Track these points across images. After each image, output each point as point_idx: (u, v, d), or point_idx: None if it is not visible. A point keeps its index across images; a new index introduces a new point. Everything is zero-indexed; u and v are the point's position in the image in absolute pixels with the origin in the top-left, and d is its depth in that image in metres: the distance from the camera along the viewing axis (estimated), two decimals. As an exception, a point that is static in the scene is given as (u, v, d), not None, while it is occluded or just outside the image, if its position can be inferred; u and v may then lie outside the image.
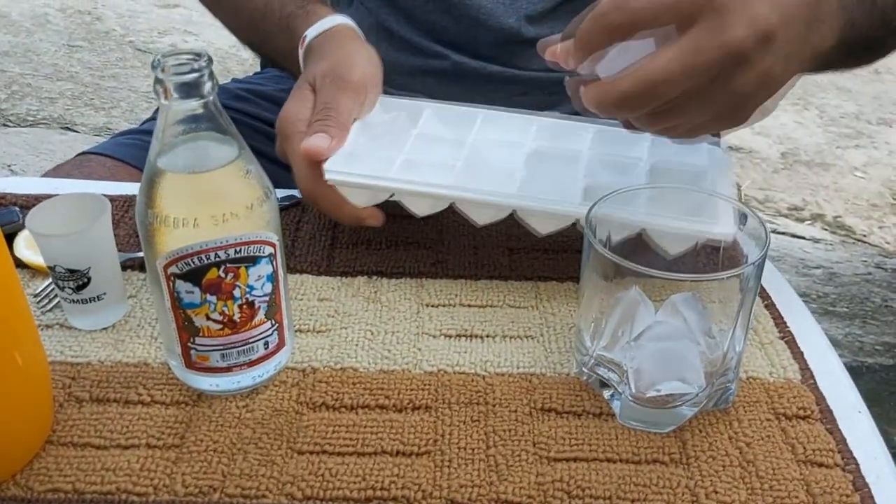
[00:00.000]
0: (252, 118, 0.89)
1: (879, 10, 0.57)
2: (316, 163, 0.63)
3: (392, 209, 0.65)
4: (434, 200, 0.63)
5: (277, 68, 0.94)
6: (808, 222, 2.43)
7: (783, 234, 2.34)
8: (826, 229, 2.41)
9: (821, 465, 0.51)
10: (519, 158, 0.67)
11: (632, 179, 0.65)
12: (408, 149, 0.67)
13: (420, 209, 0.64)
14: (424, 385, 0.56)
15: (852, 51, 0.59)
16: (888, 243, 2.36)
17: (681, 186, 0.60)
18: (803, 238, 2.33)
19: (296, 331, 0.60)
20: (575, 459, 0.51)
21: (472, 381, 0.57)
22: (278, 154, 0.68)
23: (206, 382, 0.54)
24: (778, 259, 2.13)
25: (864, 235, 2.39)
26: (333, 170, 0.62)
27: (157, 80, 0.47)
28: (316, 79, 0.68)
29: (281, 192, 0.75)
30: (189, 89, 0.47)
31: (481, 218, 0.63)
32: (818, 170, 2.71)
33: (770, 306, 0.63)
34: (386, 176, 0.63)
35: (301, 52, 0.74)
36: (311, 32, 0.73)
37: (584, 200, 0.61)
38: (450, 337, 0.61)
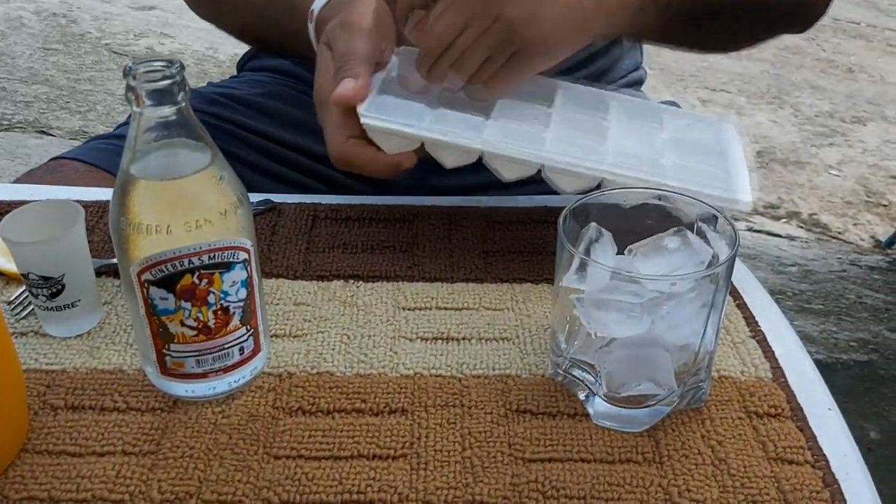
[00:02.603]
0: (227, 122, 0.88)
1: None
2: (350, 116, 0.64)
3: (371, 214, 0.65)
4: (463, 152, 0.64)
5: (283, 55, 0.94)
6: (784, 220, 2.46)
7: (759, 232, 2.36)
8: (801, 227, 2.44)
9: (791, 462, 0.51)
10: (546, 121, 0.69)
11: (653, 151, 0.68)
12: (436, 103, 0.68)
13: (449, 160, 0.65)
14: (401, 388, 0.56)
15: (670, 18, 0.69)
16: (863, 240, 2.39)
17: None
18: (779, 236, 2.36)
19: (272, 336, 0.60)
20: (550, 460, 0.51)
21: (449, 383, 0.57)
22: (320, 123, 0.69)
23: (181, 389, 0.54)
24: (754, 257, 2.15)
25: (840, 233, 2.42)
26: (369, 114, 0.63)
27: (129, 88, 0.47)
28: (328, 36, 0.68)
29: (256, 197, 0.75)
30: (161, 96, 0.47)
31: (509, 173, 0.65)
32: (793, 168, 2.74)
33: (742, 306, 0.64)
34: (419, 125, 0.64)
35: (311, 26, 0.74)
36: (317, 5, 0.73)
37: (612, 162, 0.64)
38: (426, 340, 0.61)
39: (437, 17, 0.63)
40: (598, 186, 0.63)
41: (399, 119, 0.64)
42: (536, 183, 0.89)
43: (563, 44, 0.67)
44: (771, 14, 0.78)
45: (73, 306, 0.60)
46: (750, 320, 0.63)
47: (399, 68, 0.71)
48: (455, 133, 0.64)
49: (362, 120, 0.63)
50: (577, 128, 0.69)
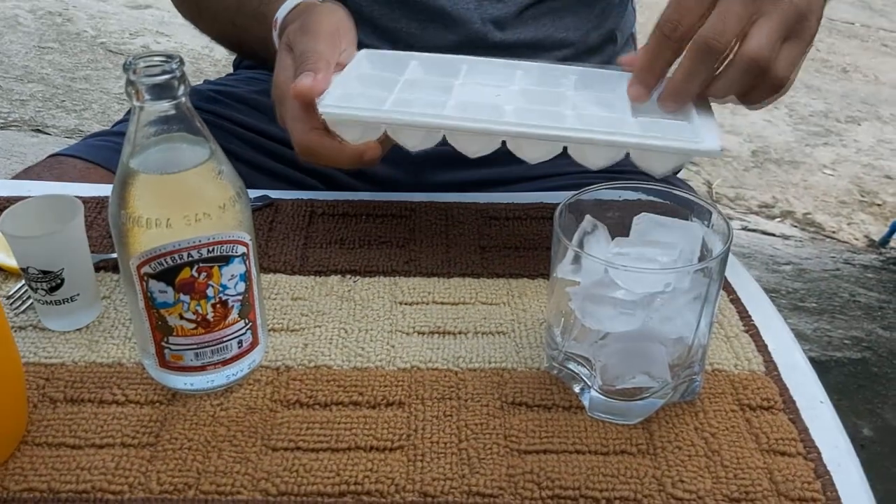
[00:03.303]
0: (224, 119, 0.89)
1: None
2: (310, 110, 0.63)
3: (369, 210, 0.65)
4: (427, 132, 0.63)
5: (257, 62, 0.95)
6: (778, 219, 2.47)
7: (753, 231, 2.37)
8: (796, 226, 2.45)
9: (783, 453, 0.52)
10: (507, 98, 0.68)
11: (616, 113, 0.67)
12: (398, 90, 0.68)
13: (413, 143, 0.64)
14: (398, 381, 0.57)
15: None
16: (857, 239, 2.40)
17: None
18: (773, 235, 2.37)
19: (270, 330, 0.61)
20: (545, 451, 0.52)
21: (445, 376, 0.57)
22: (279, 123, 0.69)
23: (180, 381, 0.55)
24: (748, 256, 2.17)
25: (834, 232, 2.43)
26: (328, 104, 0.62)
27: (129, 82, 0.47)
28: (289, 38, 0.69)
29: (254, 193, 0.76)
30: (161, 91, 0.47)
31: (473, 148, 0.63)
32: (788, 168, 2.75)
33: (735, 300, 0.65)
34: (378, 109, 0.64)
35: (275, 34, 0.74)
36: (280, 13, 0.74)
37: (574, 125, 0.63)
38: (423, 334, 0.61)
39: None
40: (564, 152, 0.62)
41: (357, 106, 0.63)
42: (531, 181, 0.89)
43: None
44: None
45: (72, 300, 0.60)
46: (743, 315, 0.63)
47: (361, 68, 0.70)
48: (414, 114, 0.63)
49: (320, 110, 0.62)
50: (538, 99, 0.68)
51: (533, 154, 0.63)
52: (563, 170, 0.87)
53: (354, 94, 0.66)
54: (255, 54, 0.89)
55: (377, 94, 0.66)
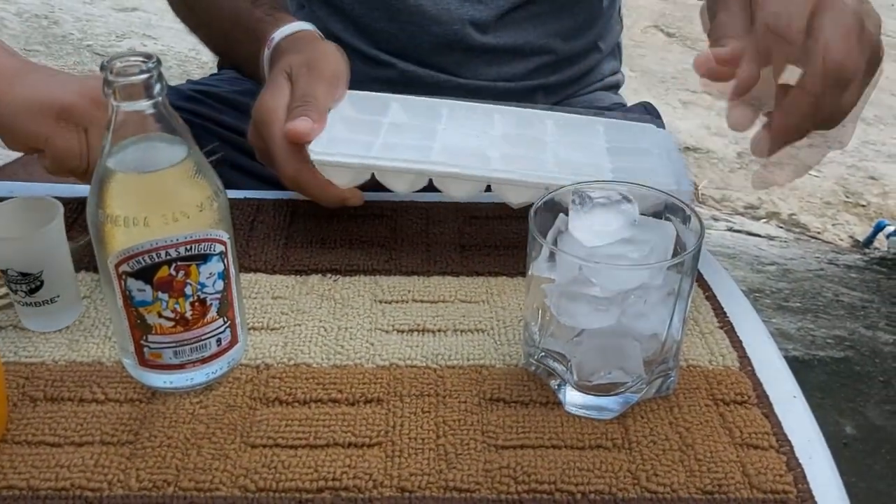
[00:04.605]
0: (205, 119, 0.89)
1: None
2: (298, 147, 0.66)
3: (350, 210, 0.66)
4: (414, 177, 0.66)
5: (239, 73, 0.96)
6: (764, 220, 2.48)
7: (739, 231, 2.39)
8: (781, 227, 2.47)
9: (756, 447, 0.53)
10: (489, 142, 0.71)
11: (594, 157, 0.71)
12: (383, 134, 0.70)
13: (401, 187, 0.67)
14: (377, 379, 0.57)
15: None
16: (841, 240, 2.42)
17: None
18: (759, 236, 2.38)
19: (249, 328, 0.61)
20: (522, 446, 0.52)
21: (424, 373, 0.58)
22: (250, 141, 0.71)
23: (159, 380, 0.55)
24: (733, 256, 2.18)
25: (818, 232, 2.45)
26: (318, 150, 0.65)
27: (107, 82, 0.48)
28: (292, 69, 0.70)
29: (234, 194, 0.76)
30: (138, 90, 0.48)
31: (460, 192, 0.66)
32: (773, 169, 2.76)
33: (710, 297, 0.65)
34: (367, 155, 0.66)
35: (267, 52, 0.76)
36: (277, 35, 0.76)
37: (555, 172, 0.66)
38: (402, 332, 0.62)
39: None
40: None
41: (346, 152, 0.66)
42: None
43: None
44: None
45: (52, 302, 0.60)
46: (718, 311, 0.64)
47: (345, 110, 0.72)
48: (402, 160, 0.66)
49: (312, 157, 0.65)
50: (519, 144, 0.71)
51: (517, 199, 0.66)
52: None
53: (342, 139, 0.68)
54: (239, 66, 0.90)
55: (364, 138, 0.69)
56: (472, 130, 0.72)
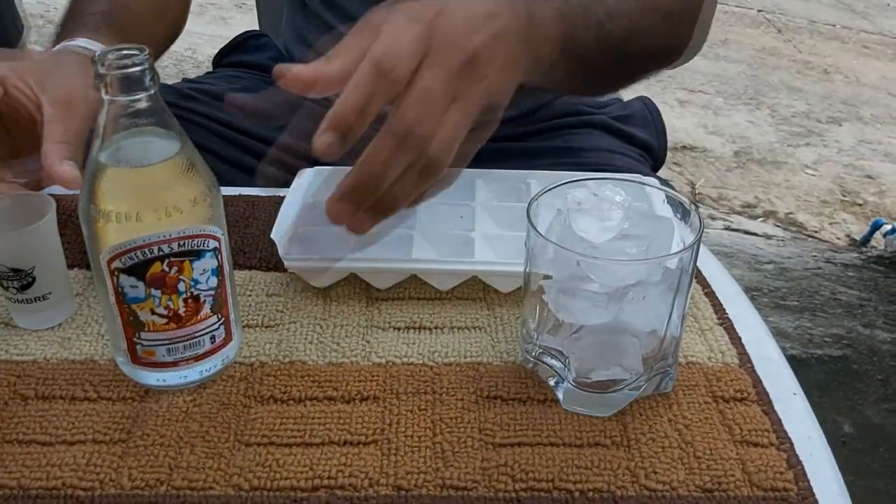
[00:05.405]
0: (201, 116, 0.88)
1: (603, 32, 0.64)
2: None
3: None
4: (396, 274, 0.64)
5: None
6: (761, 219, 2.48)
7: (736, 230, 2.39)
8: (778, 226, 2.46)
9: (756, 444, 0.52)
10: (469, 221, 0.69)
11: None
12: None
13: (382, 283, 0.65)
14: (373, 376, 0.57)
15: (577, 71, 0.65)
16: (838, 239, 2.42)
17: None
18: (756, 234, 2.38)
19: (244, 326, 0.61)
20: (519, 444, 0.52)
21: (420, 371, 0.57)
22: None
23: (152, 378, 0.54)
24: (731, 255, 2.18)
25: (815, 231, 2.45)
26: (292, 256, 0.63)
27: (99, 75, 0.47)
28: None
29: (229, 191, 0.75)
30: (131, 83, 0.47)
31: (445, 284, 0.65)
32: (770, 168, 2.77)
33: (710, 294, 0.65)
34: (343, 255, 0.64)
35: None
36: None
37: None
38: (399, 329, 0.61)
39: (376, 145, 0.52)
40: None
41: (322, 254, 0.64)
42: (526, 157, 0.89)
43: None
44: (653, 58, 0.75)
45: (44, 299, 0.60)
46: (717, 308, 0.63)
47: (309, 188, 0.71)
48: (383, 259, 0.64)
49: (287, 263, 0.63)
50: (502, 221, 0.69)
51: (502, 286, 0.65)
52: (557, 158, 0.87)
53: (313, 237, 0.66)
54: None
55: (336, 231, 0.60)
56: (453, 205, 0.69)
